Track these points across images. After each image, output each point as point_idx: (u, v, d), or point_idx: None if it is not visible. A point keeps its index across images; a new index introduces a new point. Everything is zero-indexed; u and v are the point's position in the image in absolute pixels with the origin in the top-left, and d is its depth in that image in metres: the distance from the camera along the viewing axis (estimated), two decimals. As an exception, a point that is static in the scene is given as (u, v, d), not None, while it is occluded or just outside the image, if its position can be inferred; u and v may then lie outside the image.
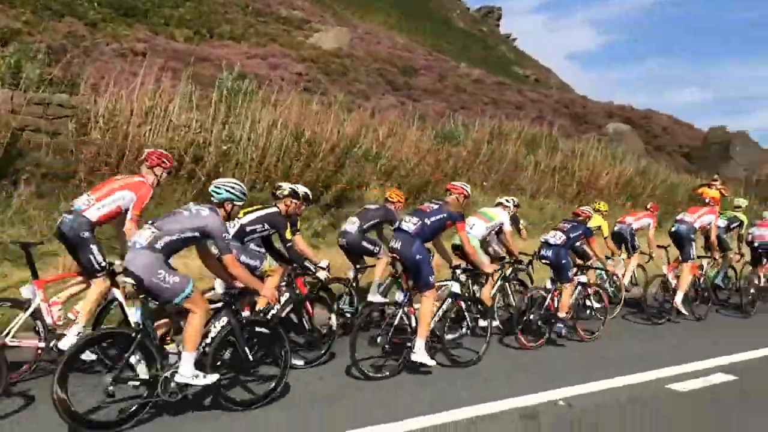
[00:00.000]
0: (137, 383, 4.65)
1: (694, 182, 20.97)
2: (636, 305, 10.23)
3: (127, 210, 5.74)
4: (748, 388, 6.56)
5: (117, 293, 5.36)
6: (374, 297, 7.83)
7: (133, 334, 4.65)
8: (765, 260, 11.03)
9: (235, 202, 5.18)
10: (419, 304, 6.38)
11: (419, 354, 6.21)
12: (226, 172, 10.90)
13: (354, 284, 8.10)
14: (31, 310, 5.41)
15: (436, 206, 6.58)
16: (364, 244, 8.11)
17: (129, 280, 4.59)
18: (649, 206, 11.60)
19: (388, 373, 6.12)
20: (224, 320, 5.01)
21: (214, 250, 5.09)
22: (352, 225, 8.14)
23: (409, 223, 6.40)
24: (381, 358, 6.28)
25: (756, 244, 11.07)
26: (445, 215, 6.48)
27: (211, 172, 10.69)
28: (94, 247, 5.57)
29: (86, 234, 5.55)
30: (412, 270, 6.33)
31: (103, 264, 5.53)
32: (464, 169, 15.10)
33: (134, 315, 5.00)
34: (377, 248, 8.14)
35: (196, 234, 4.81)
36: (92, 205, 5.64)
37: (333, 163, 11.93)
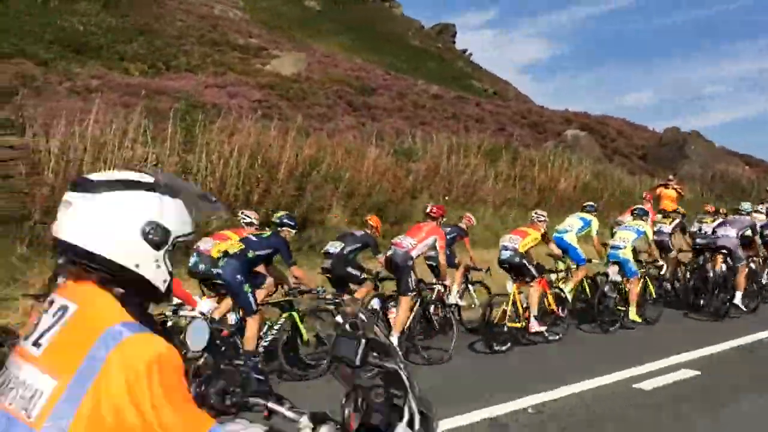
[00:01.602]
0: None
1: (651, 182, 21.38)
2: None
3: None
4: (709, 383, 6.72)
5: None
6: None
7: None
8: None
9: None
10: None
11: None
12: (185, 203, 10.84)
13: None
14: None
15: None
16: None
17: None
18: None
19: None
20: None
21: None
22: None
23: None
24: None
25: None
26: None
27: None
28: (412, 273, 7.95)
29: (410, 262, 7.87)
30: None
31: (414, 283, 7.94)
32: (425, 185, 15.22)
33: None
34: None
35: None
36: (415, 247, 7.97)
37: (293, 187, 11.95)
